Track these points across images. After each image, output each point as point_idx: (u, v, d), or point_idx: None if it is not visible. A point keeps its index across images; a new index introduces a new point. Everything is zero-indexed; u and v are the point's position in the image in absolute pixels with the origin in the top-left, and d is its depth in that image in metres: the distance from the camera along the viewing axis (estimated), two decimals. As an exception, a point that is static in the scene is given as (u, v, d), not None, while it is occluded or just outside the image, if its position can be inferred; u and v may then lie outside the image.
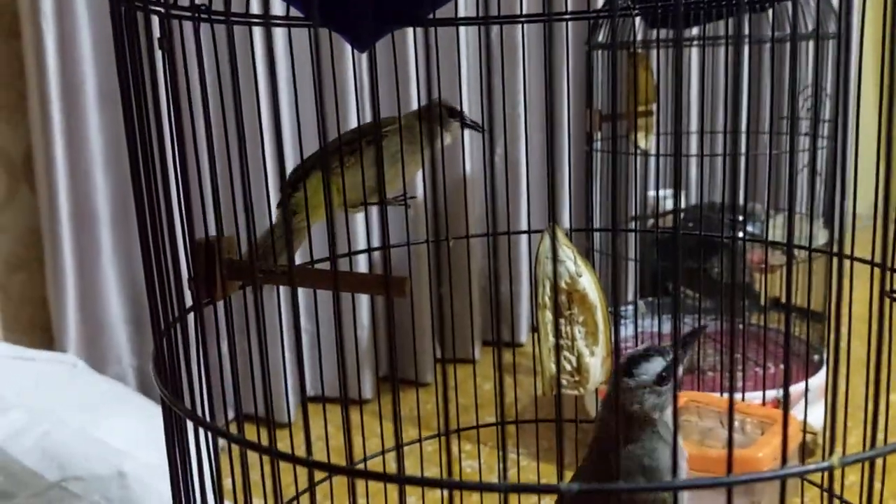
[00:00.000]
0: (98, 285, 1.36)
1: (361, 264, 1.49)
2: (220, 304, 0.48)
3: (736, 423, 0.59)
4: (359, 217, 1.48)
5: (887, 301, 0.48)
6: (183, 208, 0.43)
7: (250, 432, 0.52)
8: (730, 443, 0.33)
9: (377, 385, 1.69)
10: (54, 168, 1.30)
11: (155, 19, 0.41)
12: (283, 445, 0.53)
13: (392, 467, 0.77)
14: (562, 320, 0.63)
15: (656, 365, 0.52)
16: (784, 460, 0.39)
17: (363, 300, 1.60)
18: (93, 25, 1.31)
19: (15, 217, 1.36)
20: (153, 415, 1.12)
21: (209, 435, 0.40)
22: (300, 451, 0.51)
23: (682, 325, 1.52)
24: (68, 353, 1.27)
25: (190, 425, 0.45)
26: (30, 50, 1.27)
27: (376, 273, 0.49)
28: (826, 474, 0.55)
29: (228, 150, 0.46)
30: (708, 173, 2.02)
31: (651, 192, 1.72)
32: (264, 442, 0.38)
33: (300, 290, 1.51)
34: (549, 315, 0.63)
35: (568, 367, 0.63)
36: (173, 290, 0.42)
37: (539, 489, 0.28)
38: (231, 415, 1.46)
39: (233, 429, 0.51)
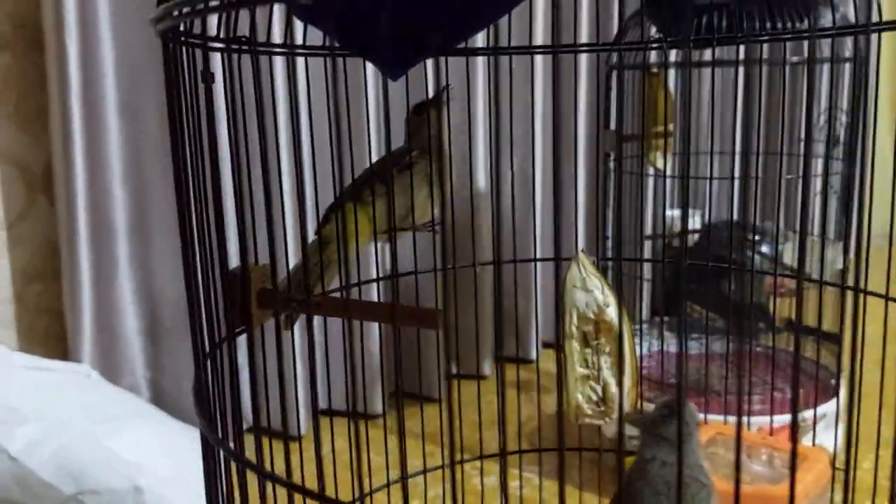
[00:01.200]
0: (114, 297, 1.37)
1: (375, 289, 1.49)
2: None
3: (764, 458, 0.59)
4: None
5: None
6: (216, 237, 0.43)
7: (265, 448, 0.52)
8: (737, 469, 0.33)
9: (386, 400, 1.68)
10: (73, 180, 1.30)
11: (200, 51, 0.42)
12: (295, 459, 0.53)
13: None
14: (588, 350, 0.63)
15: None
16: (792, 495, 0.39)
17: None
18: (115, 40, 1.32)
19: (33, 228, 1.37)
20: (167, 426, 1.12)
21: (238, 467, 0.40)
22: (310, 471, 0.51)
23: (690, 346, 1.52)
24: (83, 364, 1.27)
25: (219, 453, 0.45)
26: (52, 63, 1.28)
27: (411, 306, 0.49)
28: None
29: (266, 179, 0.46)
30: (727, 193, 2.01)
31: (669, 212, 1.72)
32: (280, 465, 0.37)
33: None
34: (576, 345, 0.63)
35: (594, 398, 0.63)
36: (214, 319, 0.42)
37: None
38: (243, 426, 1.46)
39: (248, 449, 0.51)
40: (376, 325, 1.60)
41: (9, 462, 0.95)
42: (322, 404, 1.66)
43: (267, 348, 0.50)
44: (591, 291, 0.63)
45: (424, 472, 0.80)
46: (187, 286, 0.42)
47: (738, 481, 0.36)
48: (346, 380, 1.48)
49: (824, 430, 1.33)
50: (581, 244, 1.84)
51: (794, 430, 0.42)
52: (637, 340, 1.65)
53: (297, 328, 1.01)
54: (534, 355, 1.95)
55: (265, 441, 0.47)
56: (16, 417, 0.99)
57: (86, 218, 1.33)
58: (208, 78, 0.40)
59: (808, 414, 1.25)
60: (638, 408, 0.55)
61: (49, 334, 1.39)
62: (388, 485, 0.78)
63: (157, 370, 1.42)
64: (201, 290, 0.42)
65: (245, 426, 0.61)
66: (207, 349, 0.42)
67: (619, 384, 0.60)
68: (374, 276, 1.19)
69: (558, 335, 0.65)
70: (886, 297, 0.61)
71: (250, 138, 0.47)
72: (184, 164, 0.40)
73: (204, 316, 0.43)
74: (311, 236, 0.60)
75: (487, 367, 1.88)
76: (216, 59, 0.51)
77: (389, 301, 0.61)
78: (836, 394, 1.40)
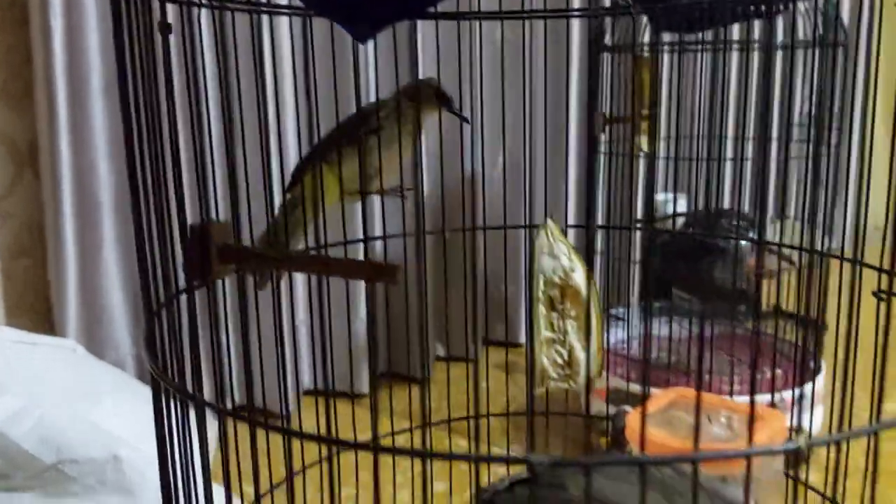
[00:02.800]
0: (99, 273, 1.37)
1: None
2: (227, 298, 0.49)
3: (723, 420, 0.59)
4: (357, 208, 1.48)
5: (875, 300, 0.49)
6: (174, 193, 0.44)
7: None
8: (697, 420, 0.34)
9: (372, 379, 1.69)
10: (59, 157, 1.31)
11: (156, 4, 0.42)
12: (277, 439, 0.53)
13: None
14: (554, 314, 0.64)
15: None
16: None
17: (361, 294, 1.60)
18: (100, 16, 1.32)
19: (19, 204, 1.37)
20: (149, 400, 1.13)
21: (198, 411, 0.41)
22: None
23: (679, 329, 1.52)
24: (68, 339, 1.28)
25: (186, 407, 0.45)
26: (37, 39, 1.28)
27: (370, 260, 0.50)
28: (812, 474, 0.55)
29: (227, 138, 0.47)
30: (715, 178, 2.01)
31: (657, 196, 1.73)
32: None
33: (301, 285, 1.52)
34: (542, 309, 0.64)
35: (559, 361, 0.64)
36: (170, 272, 0.43)
37: (508, 460, 0.29)
38: (230, 404, 1.47)
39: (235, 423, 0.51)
40: (363, 305, 1.61)
41: (-9, 432, 0.95)
42: (308, 385, 1.67)
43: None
44: (558, 257, 0.63)
45: (392, 433, 0.80)
46: (137, 237, 0.42)
47: (697, 421, 0.36)
48: (330, 357, 1.49)
49: (803, 411, 1.34)
50: (572, 219, 1.85)
51: (753, 390, 0.43)
52: (625, 323, 1.66)
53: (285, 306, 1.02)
54: (522, 339, 1.96)
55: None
56: (-2, 388, 1.00)
57: (71, 194, 1.33)
58: (165, 30, 0.41)
59: (786, 394, 1.26)
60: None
61: (36, 309, 1.40)
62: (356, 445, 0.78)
63: (141, 346, 1.43)
64: (156, 243, 0.43)
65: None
66: (161, 300, 0.43)
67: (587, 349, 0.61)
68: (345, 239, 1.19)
69: (528, 301, 0.65)
70: (880, 269, 0.61)
71: (210, 97, 0.48)
72: (137, 117, 0.41)
73: (159, 269, 0.44)
74: (278, 197, 0.60)
75: (477, 350, 1.89)
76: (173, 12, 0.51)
77: (350, 258, 0.62)
78: (815, 375, 1.41)
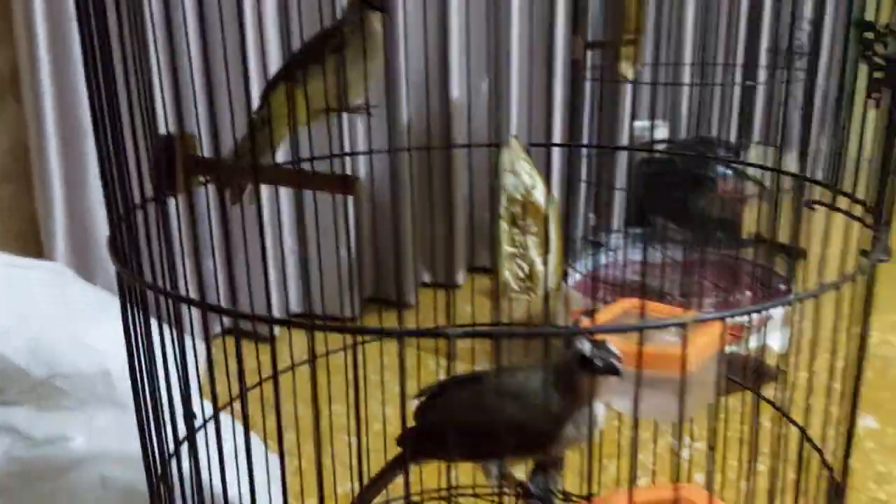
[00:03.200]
0: (85, 197, 1.39)
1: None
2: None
3: (672, 328, 0.63)
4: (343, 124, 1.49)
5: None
6: (145, 105, 0.46)
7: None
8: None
9: (357, 304, 1.73)
10: (40, 82, 1.31)
11: None
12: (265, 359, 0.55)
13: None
14: (516, 230, 0.66)
15: (584, 348, 0.55)
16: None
17: (349, 221, 1.63)
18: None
19: (3, 130, 1.38)
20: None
21: (170, 303, 0.44)
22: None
23: (663, 254, 1.56)
24: (57, 262, 1.31)
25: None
26: (14, -41, 1.27)
27: (333, 173, 0.52)
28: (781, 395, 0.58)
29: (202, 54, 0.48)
30: (697, 105, 2.02)
31: (637, 123, 1.74)
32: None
33: (286, 213, 1.53)
34: (504, 225, 0.66)
35: (520, 274, 0.67)
36: (136, 179, 0.45)
37: (427, 333, 0.32)
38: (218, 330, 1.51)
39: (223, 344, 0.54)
40: (351, 232, 1.63)
41: (-17, 348, 0.99)
42: (296, 309, 1.71)
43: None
44: (520, 175, 0.66)
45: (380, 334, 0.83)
46: (98, 147, 0.44)
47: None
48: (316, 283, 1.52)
49: (770, 331, 1.38)
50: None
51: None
52: (609, 249, 1.69)
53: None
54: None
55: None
56: (-11, 307, 1.03)
57: (54, 120, 1.34)
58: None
59: (755, 316, 1.30)
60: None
61: (23, 234, 1.42)
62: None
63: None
64: (120, 152, 0.45)
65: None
66: (132, 205, 0.45)
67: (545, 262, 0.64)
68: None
69: (491, 219, 0.68)
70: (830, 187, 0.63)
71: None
72: (100, 28, 0.42)
73: (128, 175, 0.46)
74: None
75: (461, 277, 1.93)
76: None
77: (309, 169, 0.63)
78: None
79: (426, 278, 1.91)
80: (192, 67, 1.15)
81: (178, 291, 0.42)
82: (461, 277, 1.93)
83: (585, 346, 0.54)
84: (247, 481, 0.63)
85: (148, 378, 0.48)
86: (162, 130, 0.49)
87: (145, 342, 0.47)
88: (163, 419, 0.50)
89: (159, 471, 0.51)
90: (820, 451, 0.57)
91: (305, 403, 0.50)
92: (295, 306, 1.71)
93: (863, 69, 1.45)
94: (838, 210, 0.49)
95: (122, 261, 0.42)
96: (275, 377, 0.57)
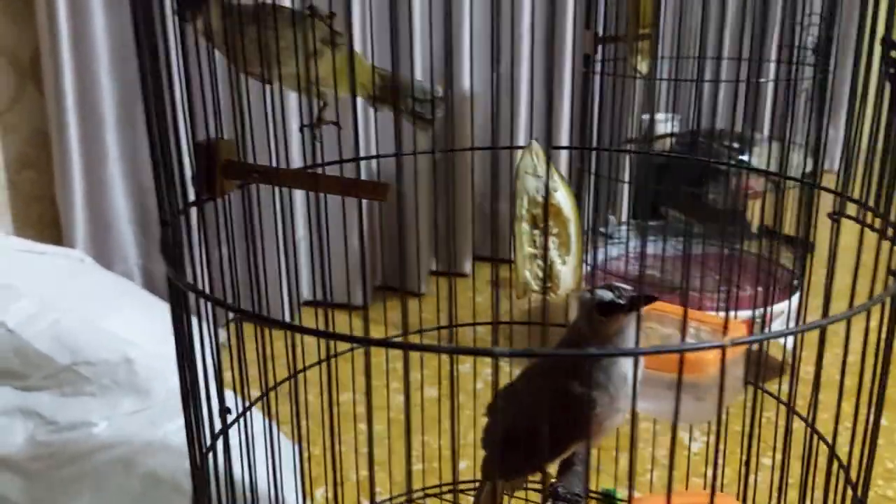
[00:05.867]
0: (105, 185, 1.41)
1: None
2: (222, 208, 0.53)
3: (692, 330, 0.65)
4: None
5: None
6: (187, 113, 0.48)
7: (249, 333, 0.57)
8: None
9: (369, 293, 1.75)
10: (61, 69, 1.32)
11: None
12: (280, 346, 0.58)
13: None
14: (536, 231, 0.68)
15: (605, 295, 0.56)
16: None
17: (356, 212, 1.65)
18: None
19: (23, 116, 1.39)
20: (156, 308, 1.18)
21: (209, 306, 0.46)
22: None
23: (673, 248, 1.57)
24: (76, 249, 1.33)
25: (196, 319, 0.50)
26: (36, -51, 1.28)
27: (364, 179, 0.53)
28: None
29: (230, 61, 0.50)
30: (708, 99, 2.03)
31: (645, 116, 1.75)
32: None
33: (299, 204, 1.55)
34: (525, 226, 0.68)
35: (540, 275, 0.69)
36: (177, 186, 0.47)
37: (476, 352, 0.33)
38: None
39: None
40: (356, 221, 1.65)
41: (7, 334, 1.01)
42: (307, 296, 1.73)
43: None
44: (542, 177, 0.67)
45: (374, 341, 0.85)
46: (152, 152, 0.46)
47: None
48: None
49: (780, 326, 1.40)
50: (565, 139, 1.87)
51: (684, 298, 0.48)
52: (615, 241, 1.71)
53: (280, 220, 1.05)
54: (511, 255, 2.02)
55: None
56: (12, 294, 1.05)
57: (74, 107, 1.35)
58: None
59: (759, 314, 1.31)
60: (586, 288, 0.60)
61: (43, 221, 1.44)
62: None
63: (148, 258, 1.48)
64: (174, 159, 0.46)
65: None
66: (176, 210, 0.47)
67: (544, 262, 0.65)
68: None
69: (512, 219, 0.70)
70: (835, 192, 0.64)
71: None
72: (150, 41, 0.44)
73: (173, 183, 0.48)
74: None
75: (467, 265, 1.95)
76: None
77: (343, 175, 0.64)
78: (793, 294, 1.47)
79: (433, 266, 1.93)
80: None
81: (225, 300, 0.44)
82: (467, 266, 1.96)
83: (606, 294, 0.55)
84: (272, 472, 0.66)
85: (193, 375, 0.50)
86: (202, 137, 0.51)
87: (190, 342, 0.49)
88: (201, 415, 0.52)
89: (200, 463, 0.54)
90: (840, 459, 0.58)
91: (316, 396, 0.52)
92: (307, 294, 1.73)
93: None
94: (865, 224, 0.51)
95: (174, 264, 0.44)
96: (294, 376, 0.59)
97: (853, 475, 0.54)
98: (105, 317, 1.07)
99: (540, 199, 0.67)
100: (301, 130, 0.59)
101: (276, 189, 0.57)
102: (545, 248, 0.67)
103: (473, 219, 1.93)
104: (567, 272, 0.69)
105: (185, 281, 0.43)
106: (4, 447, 0.98)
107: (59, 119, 1.35)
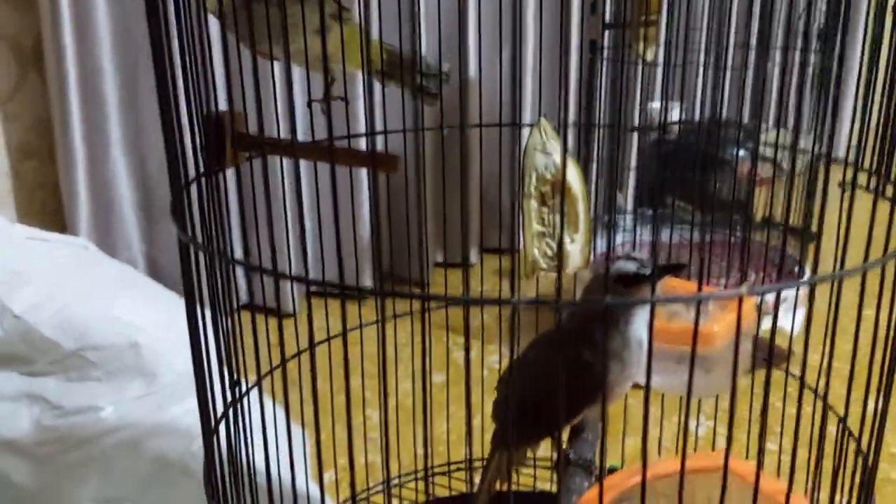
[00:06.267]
0: (108, 173, 1.41)
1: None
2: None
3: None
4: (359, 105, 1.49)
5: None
6: (198, 84, 0.47)
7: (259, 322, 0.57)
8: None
9: (379, 280, 1.75)
10: (63, 55, 1.32)
11: None
12: (288, 333, 0.57)
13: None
14: (545, 209, 0.68)
15: (627, 266, 0.56)
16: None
17: (364, 199, 1.64)
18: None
19: (25, 105, 1.39)
20: (162, 295, 1.18)
21: (223, 265, 0.45)
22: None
23: (680, 237, 1.57)
24: (80, 237, 1.33)
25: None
26: (38, -65, 1.28)
27: (373, 150, 0.53)
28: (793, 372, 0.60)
29: (238, 32, 0.50)
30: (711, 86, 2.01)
31: (653, 104, 1.74)
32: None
33: (306, 189, 1.55)
34: (534, 204, 0.68)
35: (549, 253, 0.68)
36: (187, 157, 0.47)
37: (495, 301, 0.33)
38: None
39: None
40: (367, 211, 1.65)
41: (13, 320, 1.01)
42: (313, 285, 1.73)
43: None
44: (551, 154, 0.67)
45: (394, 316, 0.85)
46: (164, 124, 0.46)
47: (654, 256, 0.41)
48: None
49: (785, 313, 1.40)
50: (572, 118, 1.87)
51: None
52: (621, 229, 1.70)
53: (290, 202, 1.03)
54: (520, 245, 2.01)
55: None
56: (18, 280, 1.05)
57: (77, 94, 1.35)
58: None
59: (770, 297, 1.31)
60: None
61: (46, 209, 1.44)
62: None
63: (152, 245, 1.48)
64: (185, 129, 0.46)
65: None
66: (186, 180, 0.47)
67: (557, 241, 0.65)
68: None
69: (518, 196, 0.69)
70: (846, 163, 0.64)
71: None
72: (159, 15, 0.44)
73: (184, 154, 0.48)
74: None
75: (474, 255, 1.94)
76: None
77: (354, 147, 0.64)
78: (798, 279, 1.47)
79: (439, 257, 1.93)
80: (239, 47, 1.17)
81: (247, 259, 0.44)
82: (474, 256, 1.95)
83: (628, 265, 0.55)
84: (275, 453, 0.65)
85: (205, 348, 0.50)
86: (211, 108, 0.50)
87: (201, 311, 0.48)
88: (212, 388, 0.52)
89: (213, 436, 0.53)
90: (850, 431, 0.58)
91: (326, 379, 0.52)
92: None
93: None
94: (880, 194, 0.50)
95: (184, 227, 0.44)
96: (311, 349, 0.59)
97: (864, 446, 0.54)
98: (111, 302, 1.07)
99: (549, 175, 0.67)
100: (308, 105, 0.59)
101: (284, 167, 0.57)
102: (560, 225, 0.67)
103: (481, 208, 1.93)
104: (575, 250, 0.69)
105: (195, 239, 0.42)
106: (11, 432, 0.98)
107: (61, 106, 1.34)
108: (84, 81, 1.36)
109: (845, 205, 0.50)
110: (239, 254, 0.44)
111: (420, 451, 1.06)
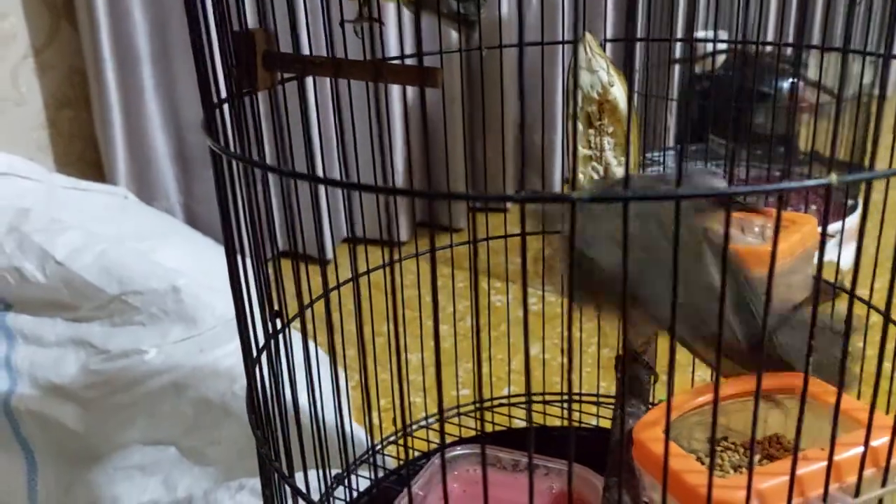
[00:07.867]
0: (143, 122, 1.40)
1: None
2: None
3: (756, 229, 0.61)
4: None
5: None
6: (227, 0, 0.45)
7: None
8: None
9: (414, 229, 1.74)
10: (94, 4, 1.30)
11: None
12: (316, 282, 0.55)
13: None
14: (592, 131, 0.65)
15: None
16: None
17: (399, 149, 1.62)
18: None
19: (59, 54, 1.38)
20: (200, 242, 1.18)
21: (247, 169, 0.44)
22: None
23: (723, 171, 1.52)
24: (119, 186, 1.33)
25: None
26: None
27: (412, 65, 0.51)
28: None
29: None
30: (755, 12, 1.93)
31: (699, 33, 1.67)
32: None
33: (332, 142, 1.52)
34: (580, 125, 0.65)
35: (596, 177, 0.66)
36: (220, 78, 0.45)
37: (549, 198, 0.31)
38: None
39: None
40: (402, 161, 1.62)
41: (56, 266, 1.02)
42: (344, 234, 1.72)
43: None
44: (596, 72, 0.64)
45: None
46: (194, 44, 0.44)
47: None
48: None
49: (833, 247, 1.35)
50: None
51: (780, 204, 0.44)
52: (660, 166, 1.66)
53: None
54: (558, 190, 1.98)
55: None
56: (59, 227, 1.05)
57: (109, 44, 1.34)
58: None
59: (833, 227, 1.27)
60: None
61: (84, 159, 1.44)
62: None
63: (189, 195, 1.48)
64: (215, 50, 0.44)
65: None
66: (218, 100, 0.45)
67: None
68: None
69: (563, 119, 0.66)
70: None
71: None
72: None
73: (214, 74, 0.46)
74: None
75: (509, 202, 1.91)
76: None
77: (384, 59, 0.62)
78: (847, 215, 1.42)
79: (477, 203, 1.90)
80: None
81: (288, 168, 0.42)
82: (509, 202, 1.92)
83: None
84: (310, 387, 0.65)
85: (244, 276, 0.48)
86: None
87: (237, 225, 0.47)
88: (253, 318, 0.51)
89: (255, 366, 0.53)
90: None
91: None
92: (348, 231, 1.72)
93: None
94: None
95: (216, 139, 0.42)
96: (356, 278, 0.57)
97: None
98: (151, 248, 1.07)
99: (595, 95, 0.63)
100: (341, 25, 0.57)
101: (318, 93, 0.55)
102: (600, 147, 0.64)
103: (523, 147, 1.89)
104: (623, 173, 0.66)
105: (227, 148, 0.41)
106: (59, 377, 0.99)
107: (94, 55, 1.33)
108: (116, 29, 1.34)
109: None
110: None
111: (458, 392, 1.05)
